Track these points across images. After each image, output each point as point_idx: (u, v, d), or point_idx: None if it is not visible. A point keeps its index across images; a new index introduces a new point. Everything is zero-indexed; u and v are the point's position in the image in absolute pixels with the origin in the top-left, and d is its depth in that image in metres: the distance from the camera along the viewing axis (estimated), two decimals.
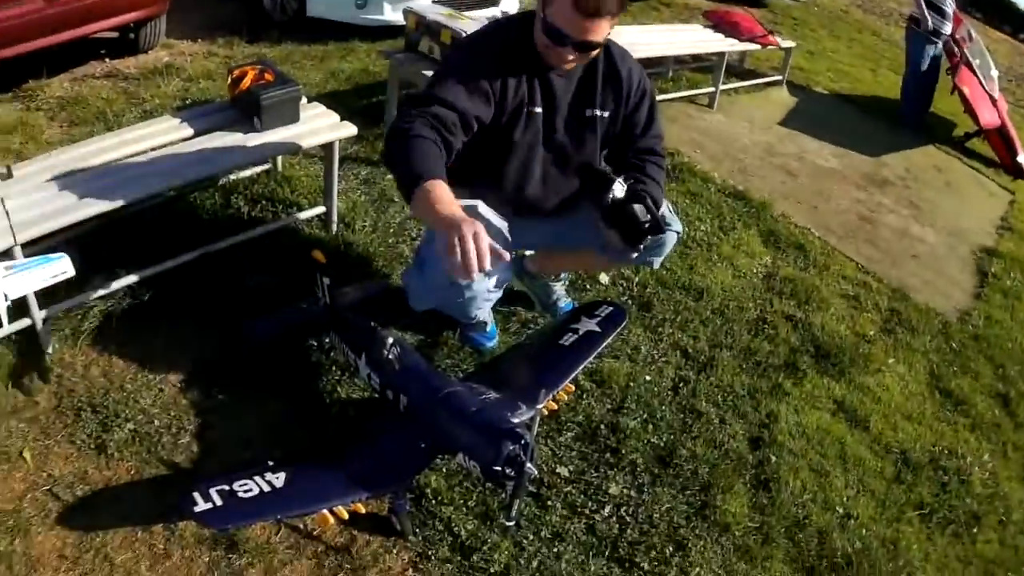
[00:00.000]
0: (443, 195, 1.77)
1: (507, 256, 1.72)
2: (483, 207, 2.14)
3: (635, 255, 2.21)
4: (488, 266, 1.64)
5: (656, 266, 2.67)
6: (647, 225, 2.08)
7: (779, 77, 6.41)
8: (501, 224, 2.21)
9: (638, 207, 2.07)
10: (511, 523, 2.07)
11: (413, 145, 1.90)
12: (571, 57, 2.09)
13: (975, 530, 2.75)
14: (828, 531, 2.48)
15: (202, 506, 1.80)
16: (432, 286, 2.25)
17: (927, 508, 2.73)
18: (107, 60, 4.49)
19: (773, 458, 2.65)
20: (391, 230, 3.29)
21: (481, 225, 1.66)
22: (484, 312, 2.59)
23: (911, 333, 3.64)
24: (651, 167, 2.34)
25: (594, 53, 2.16)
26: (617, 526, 2.29)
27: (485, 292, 2.33)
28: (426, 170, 1.82)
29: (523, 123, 2.21)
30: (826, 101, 6.59)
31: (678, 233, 2.51)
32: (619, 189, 2.09)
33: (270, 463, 1.99)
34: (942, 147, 6.25)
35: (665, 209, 2.40)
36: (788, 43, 6.30)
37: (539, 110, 2.21)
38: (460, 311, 2.46)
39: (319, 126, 2.98)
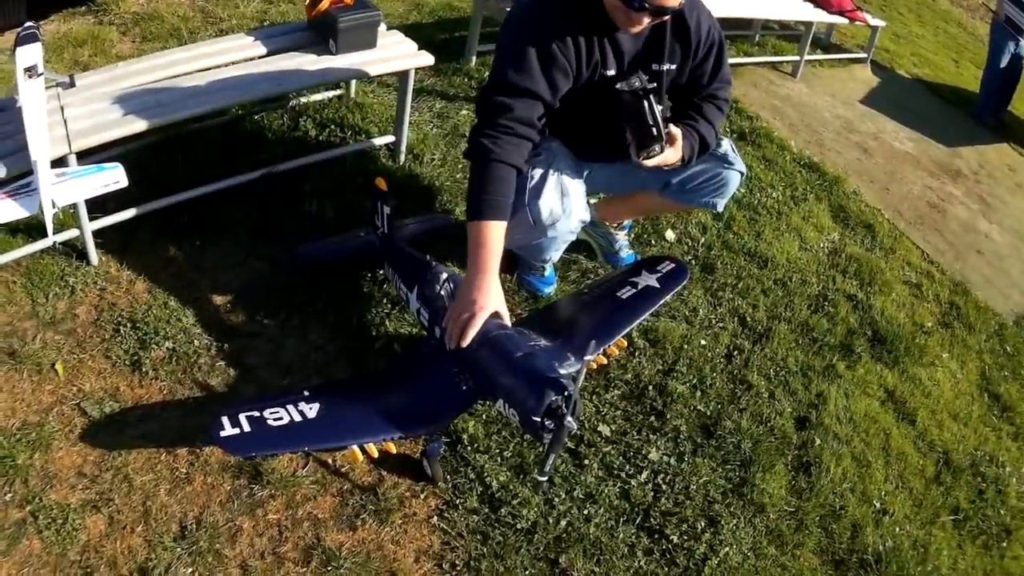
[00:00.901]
0: (487, 251, 1.78)
1: (509, 322, 1.80)
2: (560, 160, 2.06)
3: (644, 161, 1.96)
4: (464, 344, 1.71)
5: (720, 208, 2.36)
6: (653, 129, 1.88)
7: (864, 55, 5.78)
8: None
9: (647, 103, 1.87)
10: (544, 479, 1.79)
11: (491, 172, 1.82)
12: (646, 20, 1.80)
13: (1004, 544, 2.38)
14: (862, 525, 2.16)
15: (228, 431, 1.57)
16: (514, 223, 1.94)
17: (961, 514, 2.38)
18: None
19: (817, 441, 2.33)
20: (460, 165, 2.95)
21: (483, 312, 1.72)
22: (558, 255, 2.32)
23: (967, 330, 3.21)
24: (708, 108, 2.13)
25: (667, 16, 1.84)
26: (652, 494, 2.01)
27: (567, 233, 2.11)
28: (491, 209, 1.80)
29: (596, 86, 1.93)
30: (907, 85, 5.95)
31: (741, 173, 2.27)
32: (637, 81, 1.89)
33: (305, 392, 1.74)
34: (1017, 147, 5.59)
35: (728, 148, 2.24)
36: (877, 22, 5.67)
37: (611, 72, 1.92)
38: (536, 252, 2.21)
39: (395, 54, 2.66)
